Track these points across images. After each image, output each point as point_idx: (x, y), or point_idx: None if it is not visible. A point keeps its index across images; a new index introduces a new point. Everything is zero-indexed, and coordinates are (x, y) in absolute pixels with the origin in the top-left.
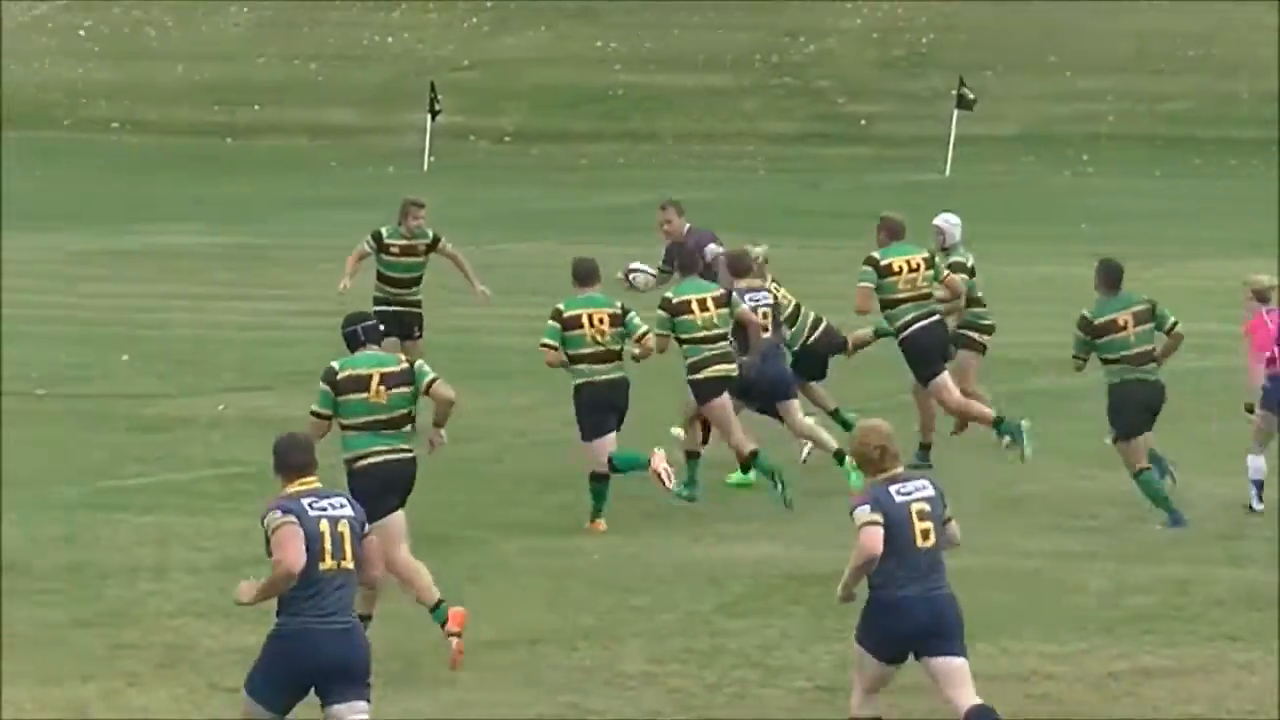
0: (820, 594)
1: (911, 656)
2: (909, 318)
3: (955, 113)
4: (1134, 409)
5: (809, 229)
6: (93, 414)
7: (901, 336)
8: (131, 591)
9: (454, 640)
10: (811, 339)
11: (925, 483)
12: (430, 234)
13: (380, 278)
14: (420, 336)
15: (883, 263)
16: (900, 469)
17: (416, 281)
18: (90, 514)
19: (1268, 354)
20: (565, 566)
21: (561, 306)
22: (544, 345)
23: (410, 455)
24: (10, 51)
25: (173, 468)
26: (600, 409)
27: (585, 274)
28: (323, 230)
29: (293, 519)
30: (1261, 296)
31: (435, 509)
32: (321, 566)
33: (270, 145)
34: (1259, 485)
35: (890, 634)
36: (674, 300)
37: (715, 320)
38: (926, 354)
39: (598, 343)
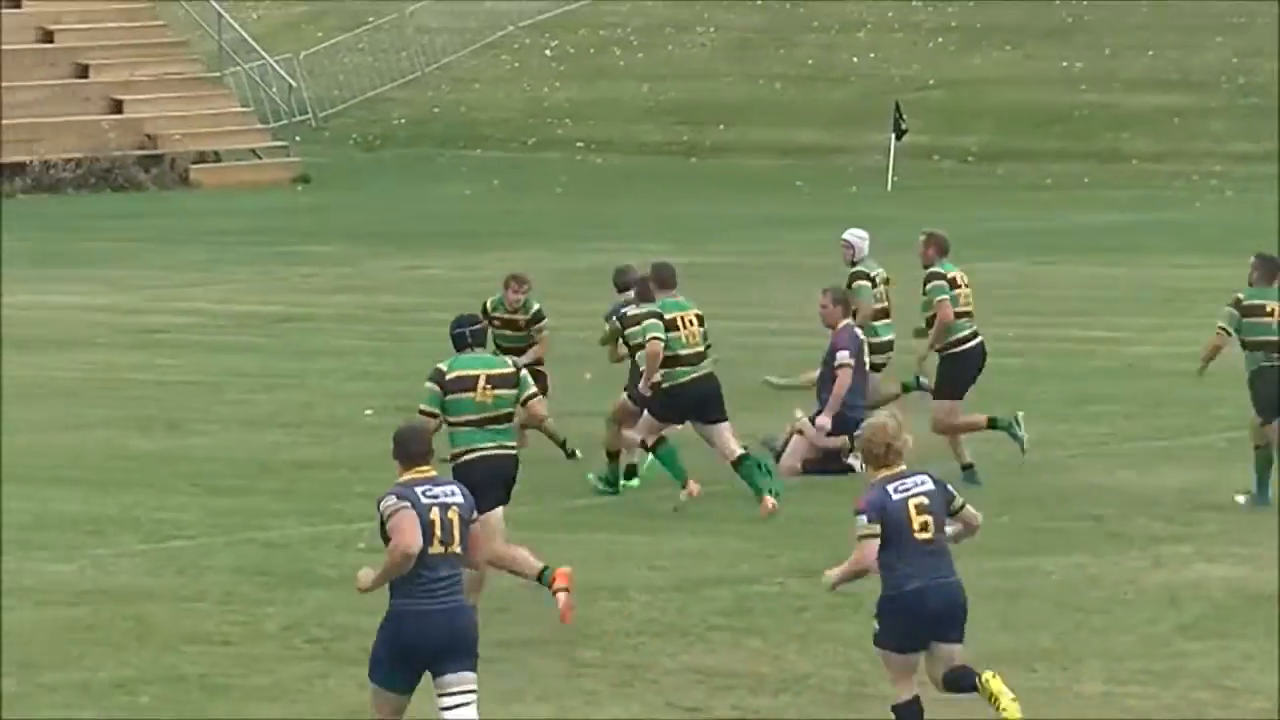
0: None
1: None
2: (966, 333)
3: None
4: (1267, 393)
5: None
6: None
7: (956, 351)
8: (590, 610)
9: (561, 596)
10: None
11: (925, 478)
12: (535, 308)
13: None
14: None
15: (949, 275)
16: (903, 466)
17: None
18: (548, 533)
19: None
20: (1022, 586)
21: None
22: (653, 338)
23: (514, 452)
24: (476, 71)
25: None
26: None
27: (666, 278)
28: (786, 249)
29: (407, 504)
30: None
31: None
32: (430, 550)
33: (734, 165)
34: None
35: (911, 625)
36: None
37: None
38: (970, 374)
39: (690, 344)
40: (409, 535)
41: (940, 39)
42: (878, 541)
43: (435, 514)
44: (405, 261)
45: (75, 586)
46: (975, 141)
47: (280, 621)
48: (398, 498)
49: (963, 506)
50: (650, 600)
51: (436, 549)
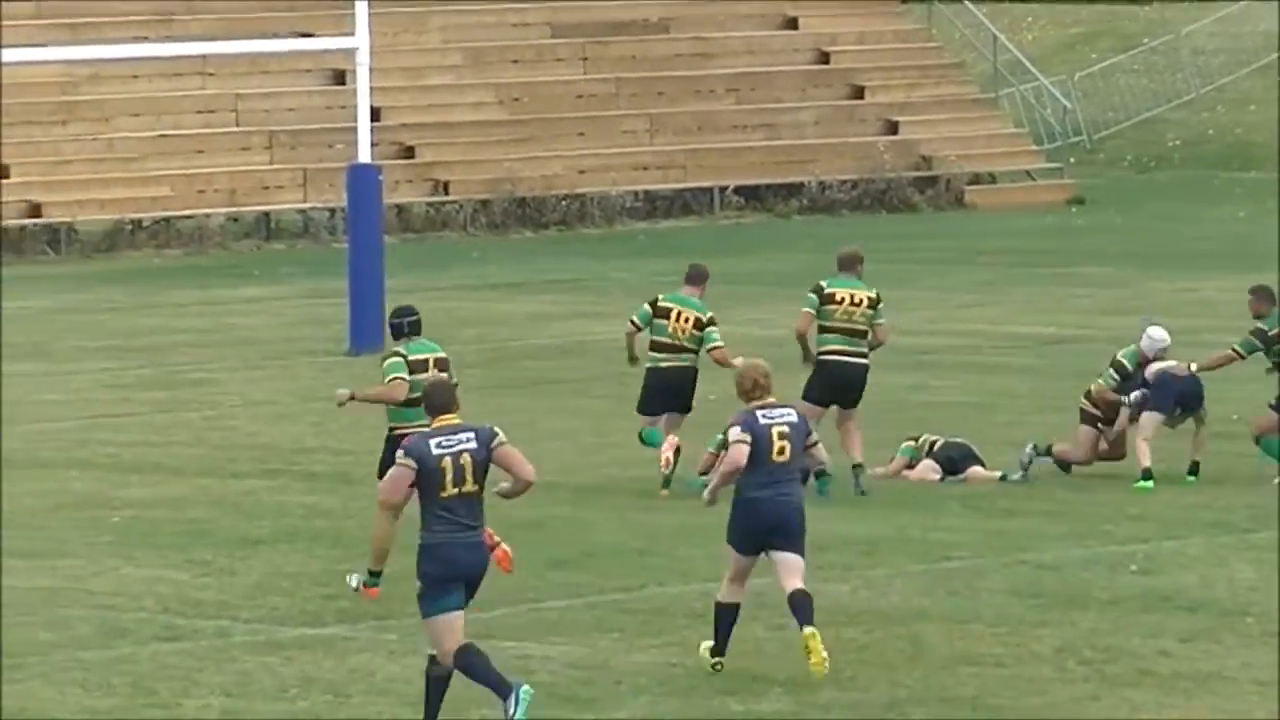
0: None
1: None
2: (830, 348)
3: None
4: None
5: None
6: None
7: (818, 360)
8: None
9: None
10: None
11: (790, 410)
12: None
13: None
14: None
15: (826, 290)
16: (770, 399)
17: None
18: None
19: None
20: None
21: (659, 297)
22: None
23: None
24: (1252, 93)
25: None
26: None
27: (697, 276)
28: None
29: (410, 463)
30: None
31: None
32: (443, 494)
33: None
34: None
35: (748, 529)
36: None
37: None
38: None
39: (675, 337)
40: (389, 492)
41: None
42: (748, 448)
43: (446, 462)
44: (1179, 283)
45: (849, 607)
46: None
47: (1052, 643)
48: (405, 453)
49: (816, 443)
50: None
51: (449, 491)
